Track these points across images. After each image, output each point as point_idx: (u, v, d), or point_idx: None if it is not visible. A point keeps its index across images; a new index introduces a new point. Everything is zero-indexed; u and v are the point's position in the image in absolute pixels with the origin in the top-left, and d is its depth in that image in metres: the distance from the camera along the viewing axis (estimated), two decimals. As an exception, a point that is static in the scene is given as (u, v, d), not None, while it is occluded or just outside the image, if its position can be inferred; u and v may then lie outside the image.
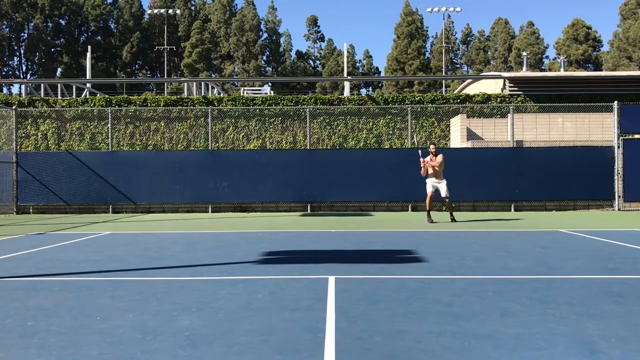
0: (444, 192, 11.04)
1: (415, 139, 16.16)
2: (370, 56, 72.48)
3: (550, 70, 58.61)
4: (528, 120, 16.01)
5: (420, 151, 11.59)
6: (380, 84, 68.40)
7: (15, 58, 61.88)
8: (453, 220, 11.14)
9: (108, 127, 16.90)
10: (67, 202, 15.34)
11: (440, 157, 11.10)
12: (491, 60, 68.69)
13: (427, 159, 11.19)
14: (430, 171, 11.11)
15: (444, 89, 46.52)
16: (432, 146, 11.23)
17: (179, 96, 17.98)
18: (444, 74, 55.11)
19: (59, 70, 61.37)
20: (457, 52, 72.45)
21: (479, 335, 3.18)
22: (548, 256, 6.31)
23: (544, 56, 64.97)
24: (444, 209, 13.35)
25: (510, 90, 18.26)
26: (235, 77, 62.32)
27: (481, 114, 17.29)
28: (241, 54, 63.34)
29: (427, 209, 11.26)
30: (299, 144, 17.34)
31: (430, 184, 11.21)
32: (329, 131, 17.43)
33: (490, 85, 20.07)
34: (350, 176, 14.90)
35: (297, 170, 15.07)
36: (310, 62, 71.92)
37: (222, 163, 15.17)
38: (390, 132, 17.37)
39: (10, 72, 60.58)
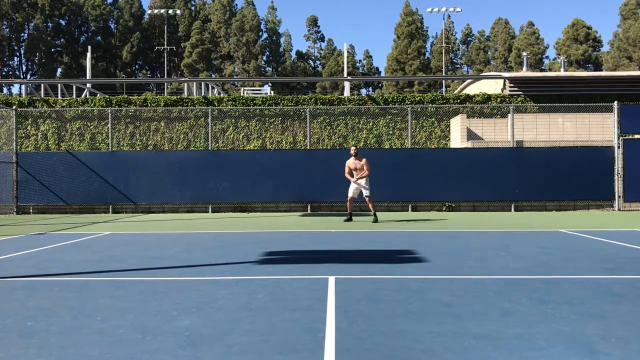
0: (365, 192, 11.23)
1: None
2: (370, 56, 72.48)
3: (550, 70, 58.60)
4: (528, 120, 16.02)
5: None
6: (380, 84, 68.40)
7: (15, 58, 61.89)
8: (375, 220, 11.22)
9: (108, 127, 16.91)
10: (67, 202, 15.34)
11: (364, 161, 11.19)
12: (491, 60, 68.68)
13: (351, 161, 11.29)
14: (355, 174, 11.27)
15: (444, 89, 46.51)
16: (353, 148, 11.31)
17: (179, 96, 17.99)
18: (444, 74, 55.09)
19: (59, 70, 61.36)
20: (457, 52, 72.42)
21: (479, 335, 3.18)
22: (548, 256, 6.31)
23: (544, 56, 64.96)
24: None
25: (510, 91, 18.26)
26: (235, 77, 62.30)
27: (481, 114, 17.30)
28: (241, 54, 63.32)
29: (349, 210, 11.64)
30: (299, 144, 17.34)
31: (353, 186, 11.37)
32: (329, 131, 17.43)
33: (490, 86, 20.07)
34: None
35: (297, 170, 15.07)
36: (310, 62, 71.90)
37: (222, 163, 15.17)
38: (390, 132, 17.37)
39: (10, 72, 60.57)
